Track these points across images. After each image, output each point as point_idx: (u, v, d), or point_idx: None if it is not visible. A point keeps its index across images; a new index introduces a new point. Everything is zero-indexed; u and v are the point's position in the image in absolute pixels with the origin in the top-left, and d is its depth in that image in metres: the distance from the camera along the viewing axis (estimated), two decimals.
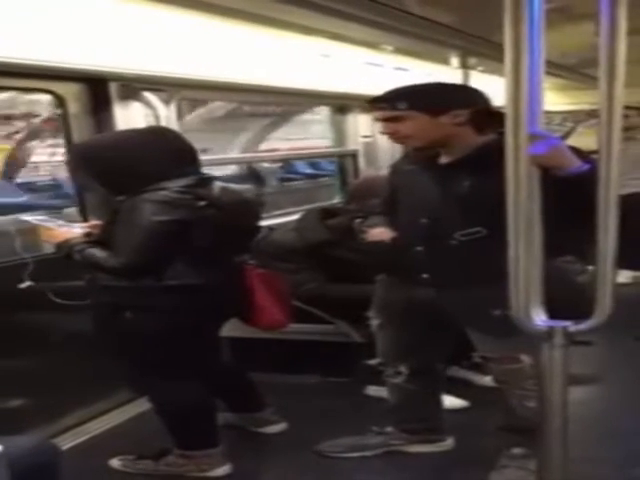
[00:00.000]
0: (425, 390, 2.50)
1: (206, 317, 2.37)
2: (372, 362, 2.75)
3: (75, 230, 2.41)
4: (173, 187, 2.20)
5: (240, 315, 2.53)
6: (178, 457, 2.48)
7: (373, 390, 3.02)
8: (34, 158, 10.29)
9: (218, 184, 2.37)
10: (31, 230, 2.65)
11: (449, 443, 2.58)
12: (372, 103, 2.23)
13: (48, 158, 10.24)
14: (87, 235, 2.37)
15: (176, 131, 2.56)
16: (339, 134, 4.47)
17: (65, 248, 2.31)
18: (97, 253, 2.25)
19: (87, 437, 2.81)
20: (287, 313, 2.57)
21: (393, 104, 2.14)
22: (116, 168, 2.25)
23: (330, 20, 3.11)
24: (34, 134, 9.29)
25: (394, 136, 2.20)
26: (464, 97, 2.22)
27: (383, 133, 2.23)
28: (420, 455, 2.54)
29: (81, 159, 2.37)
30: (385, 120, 2.19)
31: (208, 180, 2.34)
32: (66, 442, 2.71)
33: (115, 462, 2.56)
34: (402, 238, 2.27)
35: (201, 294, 2.29)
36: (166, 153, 2.28)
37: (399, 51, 4.12)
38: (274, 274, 2.60)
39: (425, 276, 2.22)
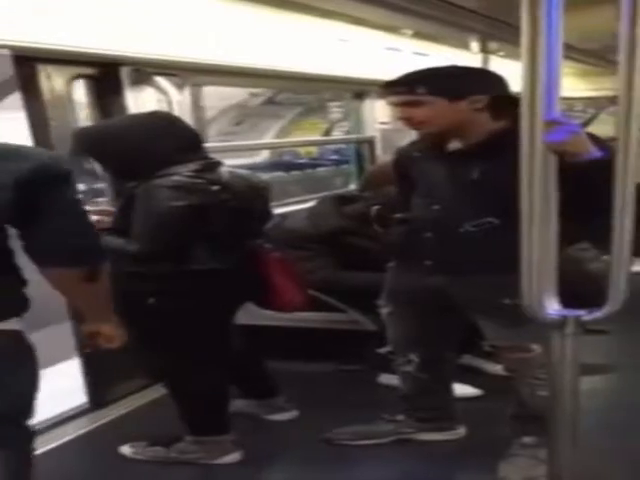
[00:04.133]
0: (436, 378, 2.48)
1: (224, 301, 2.38)
2: (382, 350, 2.73)
3: None
4: (184, 172, 2.19)
5: (257, 298, 2.52)
6: (190, 443, 2.48)
7: (385, 378, 3.00)
8: None
9: (224, 169, 2.35)
10: None
11: (460, 432, 2.55)
12: (388, 87, 2.16)
13: None
14: (97, 222, 2.33)
15: (178, 116, 2.54)
16: (356, 120, 4.43)
17: None
18: (114, 240, 2.23)
19: (100, 423, 2.81)
20: (303, 295, 2.56)
21: (411, 88, 2.08)
22: (123, 153, 2.23)
23: (350, 3, 3.07)
24: None
25: (409, 122, 2.14)
26: (483, 82, 2.16)
27: (398, 118, 2.17)
28: (431, 443, 2.52)
29: (86, 144, 2.34)
30: (401, 105, 2.12)
31: (215, 165, 2.33)
32: (79, 428, 2.73)
33: (126, 449, 2.54)
34: (412, 224, 2.24)
35: (219, 278, 2.29)
36: (172, 138, 2.26)
37: (418, 35, 4.07)
38: (288, 257, 2.59)
39: (433, 263, 2.19)
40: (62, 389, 2.90)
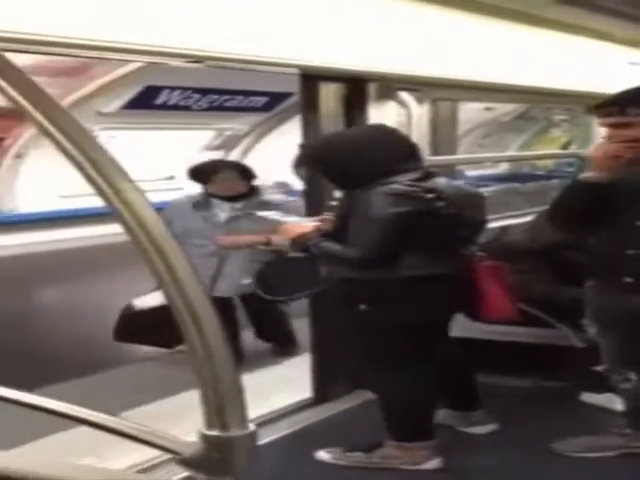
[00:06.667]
0: None
1: (436, 307, 2.41)
2: (598, 368, 2.66)
3: (307, 224, 2.52)
4: (403, 180, 2.28)
5: (466, 307, 2.54)
6: (392, 449, 2.50)
7: (588, 397, 2.95)
8: None
9: (441, 179, 2.44)
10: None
11: None
12: (598, 108, 2.13)
13: None
14: (317, 229, 2.46)
15: (397, 129, 2.63)
16: (585, 135, 4.32)
17: (301, 243, 2.44)
18: (333, 246, 2.34)
19: (297, 428, 2.89)
20: (512, 306, 2.56)
21: (621, 109, 2.05)
22: (347, 164, 2.34)
23: (594, 17, 3.03)
24: None
25: (622, 143, 2.07)
26: None
27: (610, 140, 2.11)
28: None
29: (313, 156, 2.52)
30: (612, 126, 2.09)
31: (431, 175, 2.40)
32: (277, 431, 2.81)
33: (323, 454, 2.56)
34: (615, 241, 2.21)
35: (433, 285, 2.33)
36: (392, 149, 2.36)
37: None
38: (501, 267, 2.58)
39: (634, 280, 2.15)
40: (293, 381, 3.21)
